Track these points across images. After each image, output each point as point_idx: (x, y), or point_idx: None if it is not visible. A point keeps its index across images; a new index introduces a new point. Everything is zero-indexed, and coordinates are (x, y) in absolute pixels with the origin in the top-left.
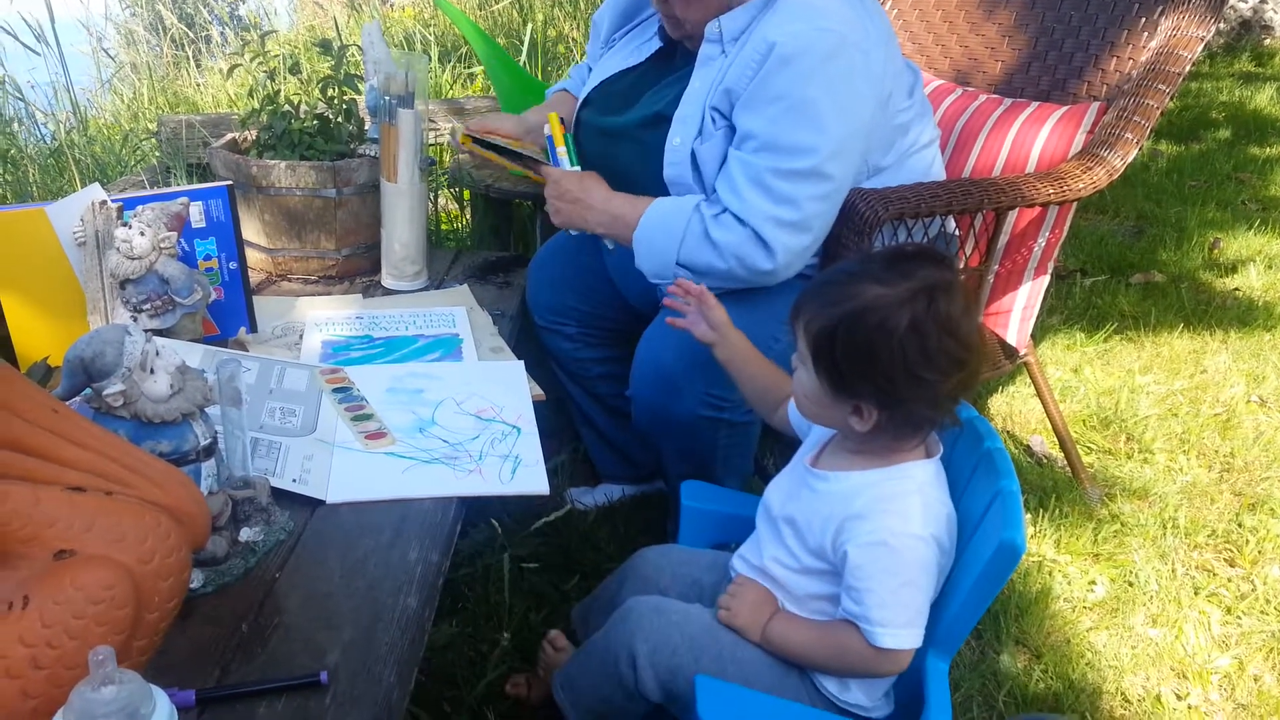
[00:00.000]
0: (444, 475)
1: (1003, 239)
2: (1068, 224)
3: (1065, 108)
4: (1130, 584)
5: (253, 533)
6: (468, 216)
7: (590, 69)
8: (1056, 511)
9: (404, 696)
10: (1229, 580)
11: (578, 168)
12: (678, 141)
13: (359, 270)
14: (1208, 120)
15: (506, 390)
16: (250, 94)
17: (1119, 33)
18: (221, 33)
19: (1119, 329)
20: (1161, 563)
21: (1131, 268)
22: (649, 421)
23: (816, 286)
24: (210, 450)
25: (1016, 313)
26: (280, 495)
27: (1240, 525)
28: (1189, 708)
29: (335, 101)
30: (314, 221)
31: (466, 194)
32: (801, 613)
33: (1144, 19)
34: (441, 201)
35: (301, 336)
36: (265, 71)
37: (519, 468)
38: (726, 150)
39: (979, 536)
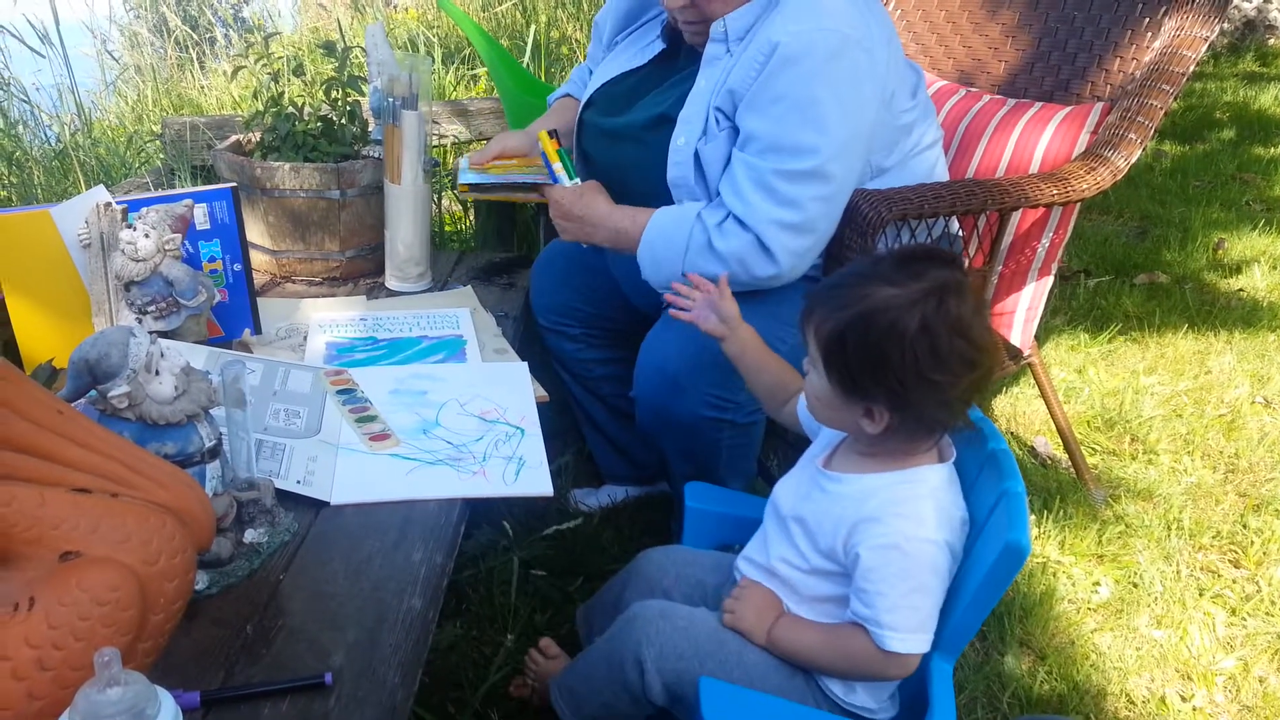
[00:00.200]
0: (448, 477)
1: (1006, 240)
2: (1071, 225)
3: (1069, 108)
4: (1135, 585)
5: (257, 534)
6: (471, 218)
7: (591, 71)
8: (1061, 513)
9: (408, 698)
10: (1234, 581)
11: (577, 180)
12: (682, 142)
13: (363, 272)
14: (1212, 120)
15: (510, 391)
16: (254, 96)
17: (1123, 33)
18: (225, 35)
19: (1123, 330)
20: (1166, 564)
21: (1135, 268)
22: (652, 422)
23: (827, 288)
24: (215, 452)
25: (1020, 313)
26: (285, 497)
27: (1245, 526)
28: (1194, 709)
29: (339, 103)
30: (318, 223)
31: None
32: (808, 614)
33: (1148, 19)
34: (445, 203)
35: (306, 338)
36: (269, 73)
37: (523, 469)
38: (729, 151)
39: (984, 538)
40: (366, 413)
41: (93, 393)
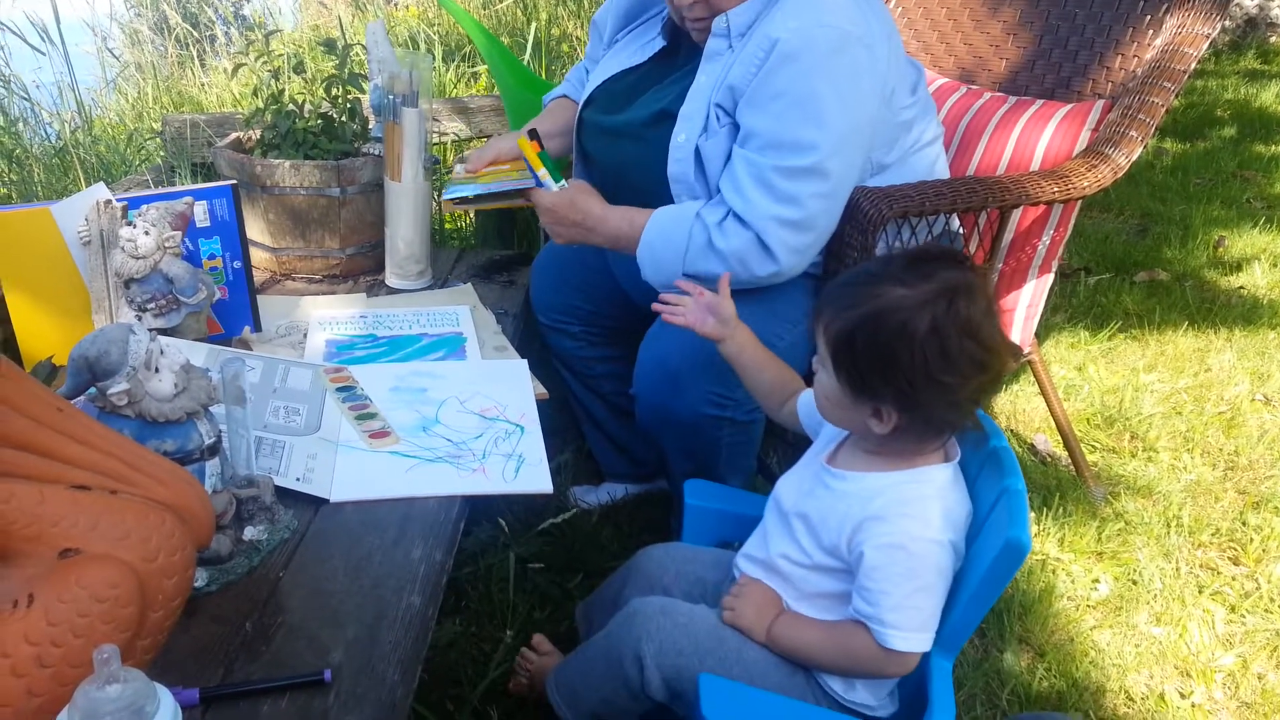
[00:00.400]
0: (448, 474)
1: (1007, 237)
2: (1072, 222)
3: (1070, 106)
4: (1134, 582)
5: (257, 531)
6: (471, 215)
7: (588, 71)
8: (1060, 510)
9: (408, 694)
10: (1233, 579)
11: (563, 183)
12: (683, 138)
13: (363, 269)
14: (1213, 118)
15: (510, 389)
16: (254, 93)
17: (1124, 30)
18: (226, 32)
19: (1123, 327)
20: (1165, 561)
21: (1136, 266)
22: (652, 420)
23: (837, 288)
24: (214, 449)
25: (1020, 311)
26: (284, 494)
27: (1244, 524)
28: (1193, 706)
29: (339, 101)
30: (318, 220)
31: None
32: (807, 609)
33: (1149, 16)
34: None
35: (305, 335)
36: (269, 71)
37: (522, 466)
38: (730, 147)
39: (984, 535)
40: (366, 410)
41: (92, 390)
